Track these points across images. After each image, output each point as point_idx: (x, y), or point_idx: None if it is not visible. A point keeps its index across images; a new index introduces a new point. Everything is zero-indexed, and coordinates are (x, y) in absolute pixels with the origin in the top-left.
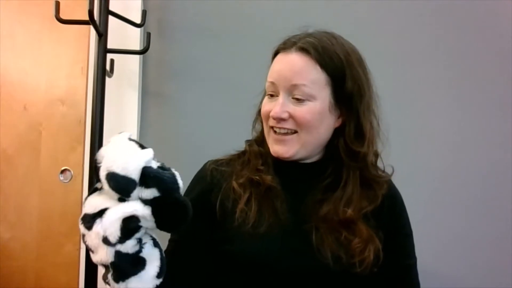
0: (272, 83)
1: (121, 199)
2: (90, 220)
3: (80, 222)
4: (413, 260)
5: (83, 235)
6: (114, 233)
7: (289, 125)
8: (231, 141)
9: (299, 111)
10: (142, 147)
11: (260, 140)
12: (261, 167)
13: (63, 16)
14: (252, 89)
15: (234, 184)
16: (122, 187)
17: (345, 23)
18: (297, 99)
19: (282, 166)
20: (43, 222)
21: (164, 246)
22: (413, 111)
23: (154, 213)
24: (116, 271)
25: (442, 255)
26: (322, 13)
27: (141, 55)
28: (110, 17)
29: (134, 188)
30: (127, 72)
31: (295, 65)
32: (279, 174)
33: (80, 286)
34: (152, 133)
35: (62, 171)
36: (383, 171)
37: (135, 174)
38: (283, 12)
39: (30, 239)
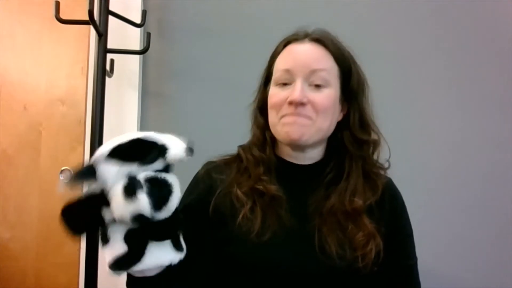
0: (288, 70)
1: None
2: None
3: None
4: (413, 260)
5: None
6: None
7: (307, 111)
8: (231, 141)
9: (318, 97)
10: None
11: (260, 144)
12: (264, 177)
13: (63, 16)
14: (252, 89)
15: (238, 192)
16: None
17: (345, 23)
18: (316, 85)
19: (285, 170)
20: (43, 222)
21: None
22: (413, 111)
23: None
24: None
25: (442, 255)
26: (322, 13)
27: (141, 55)
28: (110, 17)
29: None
30: (127, 72)
31: (313, 53)
32: (282, 179)
33: (80, 286)
34: None
35: (62, 171)
36: (379, 163)
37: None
38: (283, 12)
39: (30, 239)
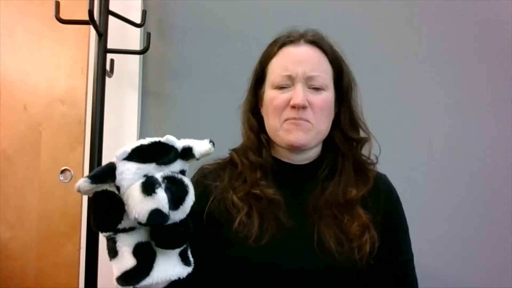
0: (288, 76)
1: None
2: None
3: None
4: (409, 256)
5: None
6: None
7: (307, 114)
8: (231, 141)
9: (317, 100)
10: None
11: (256, 148)
12: (262, 182)
13: (63, 16)
14: None
15: (234, 198)
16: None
17: (345, 23)
18: (314, 88)
19: (282, 171)
20: (43, 222)
21: None
22: (412, 111)
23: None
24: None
25: (442, 255)
26: (323, 14)
27: (141, 55)
28: (110, 17)
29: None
30: (127, 72)
31: (310, 57)
32: (280, 181)
33: (80, 286)
34: (152, 133)
35: (62, 171)
36: (367, 157)
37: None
38: (283, 12)
39: (30, 239)
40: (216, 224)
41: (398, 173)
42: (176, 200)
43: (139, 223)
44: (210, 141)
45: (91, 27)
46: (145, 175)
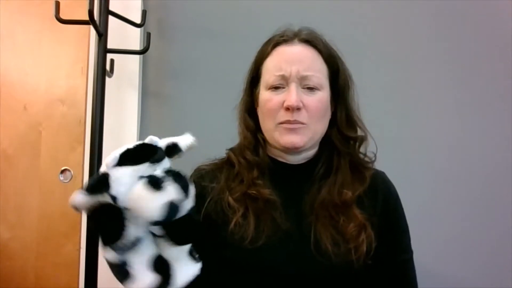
0: (282, 76)
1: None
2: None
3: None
4: (409, 254)
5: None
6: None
7: (302, 116)
8: (231, 141)
9: (311, 100)
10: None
11: (252, 147)
12: (258, 181)
13: (63, 16)
14: None
15: (229, 199)
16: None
17: (345, 23)
18: (309, 88)
19: (279, 171)
20: (43, 222)
21: None
22: (412, 111)
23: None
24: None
25: (441, 256)
26: (323, 13)
27: (141, 55)
28: (110, 17)
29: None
30: (127, 72)
31: (304, 56)
32: (276, 181)
33: (80, 286)
34: (152, 133)
35: (62, 171)
36: (366, 155)
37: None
38: (284, 12)
39: (30, 239)
40: (213, 225)
41: (398, 172)
42: (184, 189)
43: (155, 223)
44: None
45: (91, 27)
46: (141, 176)
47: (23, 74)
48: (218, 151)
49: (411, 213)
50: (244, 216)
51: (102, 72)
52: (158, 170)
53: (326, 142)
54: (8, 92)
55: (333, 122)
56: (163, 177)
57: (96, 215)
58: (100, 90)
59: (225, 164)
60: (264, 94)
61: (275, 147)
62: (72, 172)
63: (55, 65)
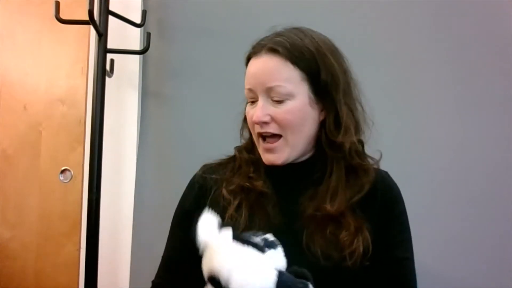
0: (250, 89)
1: None
2: None
3: None
4: (407, 254)
5: None
6: None
7: (272, 128)
8: (231, 141)
9: (279, 113)
10: (257, 246)
11: (250, 147)
12: (253, 175)
13: (63, 16)
14: None
15: (224, 191)
16: None
17: (345, 23)
18: (276, 101)
19: (274, 170)
20: (43, 222)
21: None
22: (413, 111)
23: None
24: None
25: (441, 256)
26: (323, 13)
27: (141, 55)
28: (110, 17)
29: None
30: (127, 72)
31: (267, 67)
32: (272, 179)
33: (80, 286)
34: (152, 133)
35: (62, 171)
36: (371, 157)
37: None
38: (283, 12)
39: (30, 239)
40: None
41: (397, 172)
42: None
43: None
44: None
45: (91, 27)
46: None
47: (23, 74)
48: (217, 150)
49: (411, 213)
50: (238, 207)
51: (102, 72)
52: None
53: (321, 145)
54: (8, 92)
55: (323, 125)
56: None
57: None
58: (100, 90)
59: (231, 160)
60: (246, 107)
61: None
62: (72, 172)
63: (55, 65)
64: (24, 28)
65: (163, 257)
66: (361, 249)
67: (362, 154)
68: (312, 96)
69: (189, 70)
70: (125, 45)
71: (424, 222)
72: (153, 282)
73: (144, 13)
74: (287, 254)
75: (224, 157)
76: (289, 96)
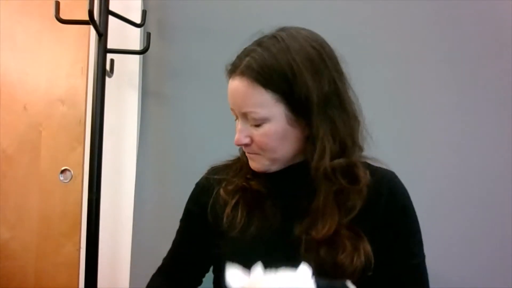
0: (231, 108)
1: None
2: None
3: None
4: (419, 259)
5: None
6: None
7: (253, 149)
8: (231, 141)
9: (257, 135)
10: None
11: None
12: (250, 176)
13: (63, 16)
14: None
15: (221, 190)
16: None
17: (346, 23)
18: (254, 124)
19: (273, 172)
20: (43, 222)
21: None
22: (413, 111)
23: None
24: None
25: (442, 256)
26: (323, 13)
27: (141, 55)
28: (110, 17)
29: None
30: (127, 72)
31: (238, 93)
32: (271, 180)
33: (80, 286)
34: (152, 133)
35: (62, 171)
36: (371, 160)
37: None
38: (284, 12)
39: (30, 239)
40: (216, 215)
41: (397, 172)
42: None
43: None
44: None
45: (91, 27)
46: None
47: (23, 74)
48: (217, 150)
49: None
50: (235, 207)
51: (102, 72)
52: None
53: None
54: (8, 92)
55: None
56: None
57: None
58: (100, 90)
59: (238, 161)
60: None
61: None
62: (72, 172)
63: (55, 65)
64: (24, 28)
65: (172, 244)
66: (361, 264)
67: (352, 170)
68: (290, 114)
69: (189, 70)
70: (125, 45)
71: (424, 222)
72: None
73: (144, 13)
74: (284, 259)
75: (230, 157)
76: (264, 120)
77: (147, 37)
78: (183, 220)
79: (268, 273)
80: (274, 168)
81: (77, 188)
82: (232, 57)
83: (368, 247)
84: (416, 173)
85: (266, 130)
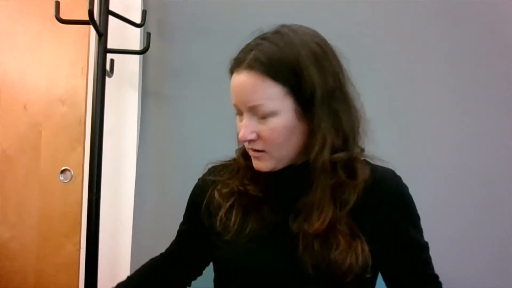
0: (235, 105)
1: None
2: None
3: None
4: (422, 255)
5: None
6: None
7: (258, 145)
8: (231, 141)
9: (264, 130)
10: None
11: (246, 153)
12: (247, 181)
13: (63, 16)
14: None
15: (216, 193)
16: None
17: (346, 23)
18: (261, 117)
19: (272, 173)
20: (43, 222)
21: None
22: (414, 112)
23: None
24: None
25: (442, 256)
26: (323, 13)
27: (141, 55)
28: (110, 17)
29: None
30: (127, 72)
31: (246, 87)
32: (271, 182)
33: (80, 286)
34: (152, 133)
35: (62, 171)
36: (371, 159)
37: None
38: (284, 12)
39: (30, 239)
40: (210, 216)
41: (401, 173)
42: None
43: None
44: None
45: (91, 27)
46: None
47: (23, 74)
48: (217, 150)
49: None
50: (230, 209)
51: (102, 72)
52: None
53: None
54: (8, 92)
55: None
56: None
57: None
58: (100, 90)
59: (233, 162)
60: (236, 118)
61: None
62: (72, 172)
63: (55, 65)
64: (24, 28)
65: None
66: (357, 264)
67: (352, 165)
68: (298, 108)
69: (189, 70)
70: (125, 45)
71: (424, 221)
72: None
73: (144, 13)
74: (280, 260)
75: (228, 158)
76: (273, 113)
77: (147, 37)
78: (186, 214)
79: None
80: (279, 167)
81: (77, 188)
82: (233, 56)
83: (365, 247)
84: (416, 173)
85: (275, 125)
